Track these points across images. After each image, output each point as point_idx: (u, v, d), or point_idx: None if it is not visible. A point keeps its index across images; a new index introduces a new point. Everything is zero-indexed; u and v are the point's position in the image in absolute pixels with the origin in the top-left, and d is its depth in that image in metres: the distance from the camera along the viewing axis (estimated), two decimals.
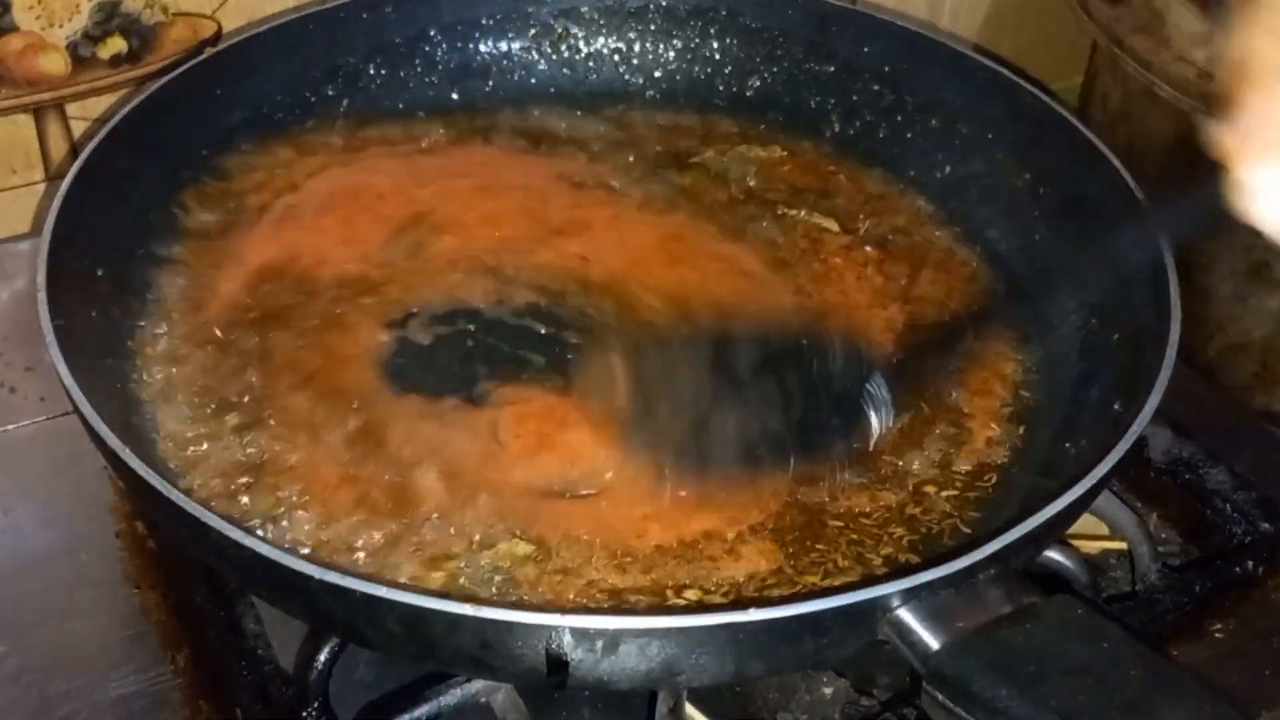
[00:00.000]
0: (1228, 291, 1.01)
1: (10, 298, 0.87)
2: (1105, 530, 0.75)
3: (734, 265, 0.81)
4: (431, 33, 0.92)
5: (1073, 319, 0.77)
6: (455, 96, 0.92)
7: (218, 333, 0.73)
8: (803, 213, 0.85)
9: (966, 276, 0.82)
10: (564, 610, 0.52)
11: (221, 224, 0.80)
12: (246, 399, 0.70)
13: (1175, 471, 0.77)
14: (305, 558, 0.54)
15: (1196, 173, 0.54)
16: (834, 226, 0.85)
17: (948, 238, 0.84)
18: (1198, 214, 0.60)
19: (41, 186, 0.92)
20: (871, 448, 0.68)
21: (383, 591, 0.52)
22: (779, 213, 0.85)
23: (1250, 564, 0.72)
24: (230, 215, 0.81)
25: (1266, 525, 0.74)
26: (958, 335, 0.71)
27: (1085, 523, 0.67)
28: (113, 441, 0.58)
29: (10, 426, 0.79)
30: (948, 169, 0.88)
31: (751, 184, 0.88)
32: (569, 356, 0.73)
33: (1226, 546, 0.75)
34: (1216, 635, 0.69)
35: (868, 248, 0.83)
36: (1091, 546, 0.77)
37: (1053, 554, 0.68)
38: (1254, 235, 0.94)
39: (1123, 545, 0.75)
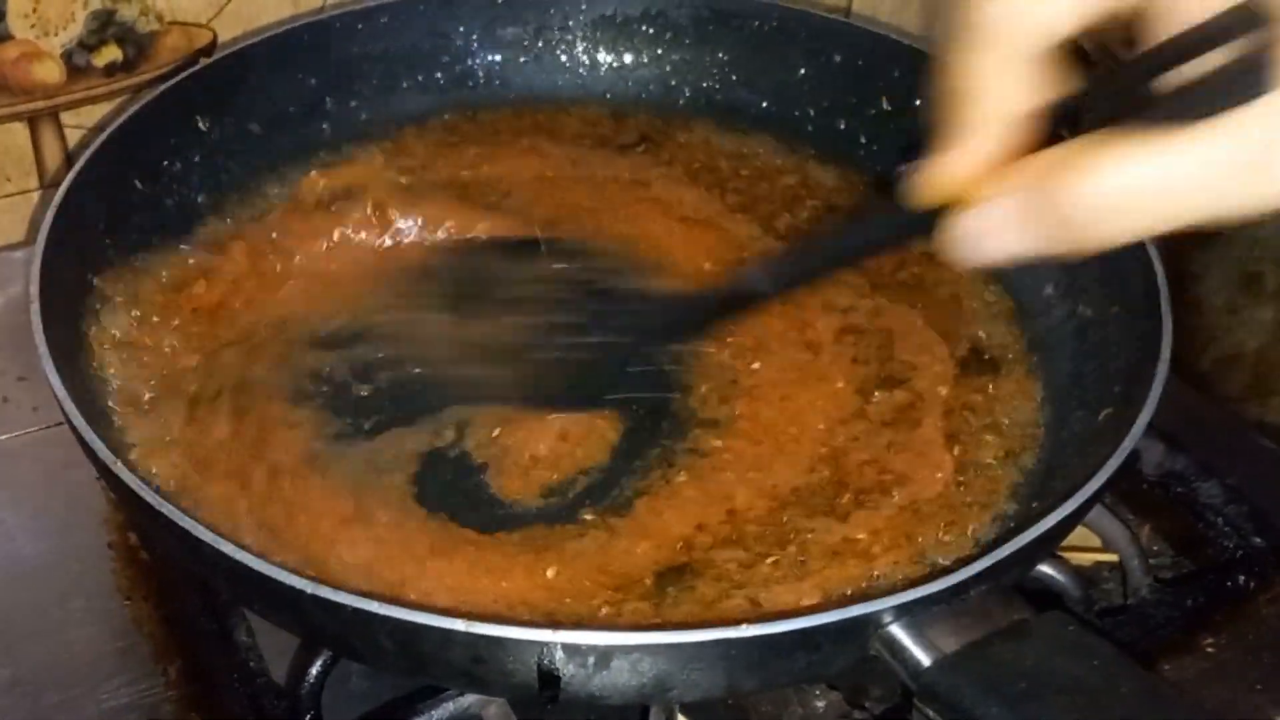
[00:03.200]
0: (1220, 303, 1.01)
1: (3, 306, 0.87)
2: (1097, 542, 0.75)
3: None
4: (429, 40, 0.92)
5: (1064, 331, 0.77)
6: (450, 104, 0.93)
7: (211, 345, 0.73)
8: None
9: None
10: (556, 626, 0.52)
11: (219, 235, 0.80)
12: (237, 411, 0.70)
13: (1167, 485, 0.77)
14: (297, 572, 0.54)
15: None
16: None
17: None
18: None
19: (36, 195, 0.92)
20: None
21: (375, 607, 0.52)
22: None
23: (1242, 578, 0.72)
24: (228, 226, 0.81)
25: (1258, 539, 0.74)
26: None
27: (1077, 534, 0.67)
28: (104, 454, 0.58)
29: (3, 437, 0.79)
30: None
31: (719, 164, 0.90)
32: None
33: (1218, 560, 0.75)
34: (1208, 649, 0.69)
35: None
36: (1083, 558, 0.77)
37: (1044, 568, 0.68)
38: (1247, 245, 0.94)
39: (1115, 557, 0.75)
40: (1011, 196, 0.46)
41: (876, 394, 0.73)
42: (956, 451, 0.70)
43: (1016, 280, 0.81)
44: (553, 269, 0.76)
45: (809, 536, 0.66)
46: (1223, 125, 0.41)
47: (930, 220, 0.49)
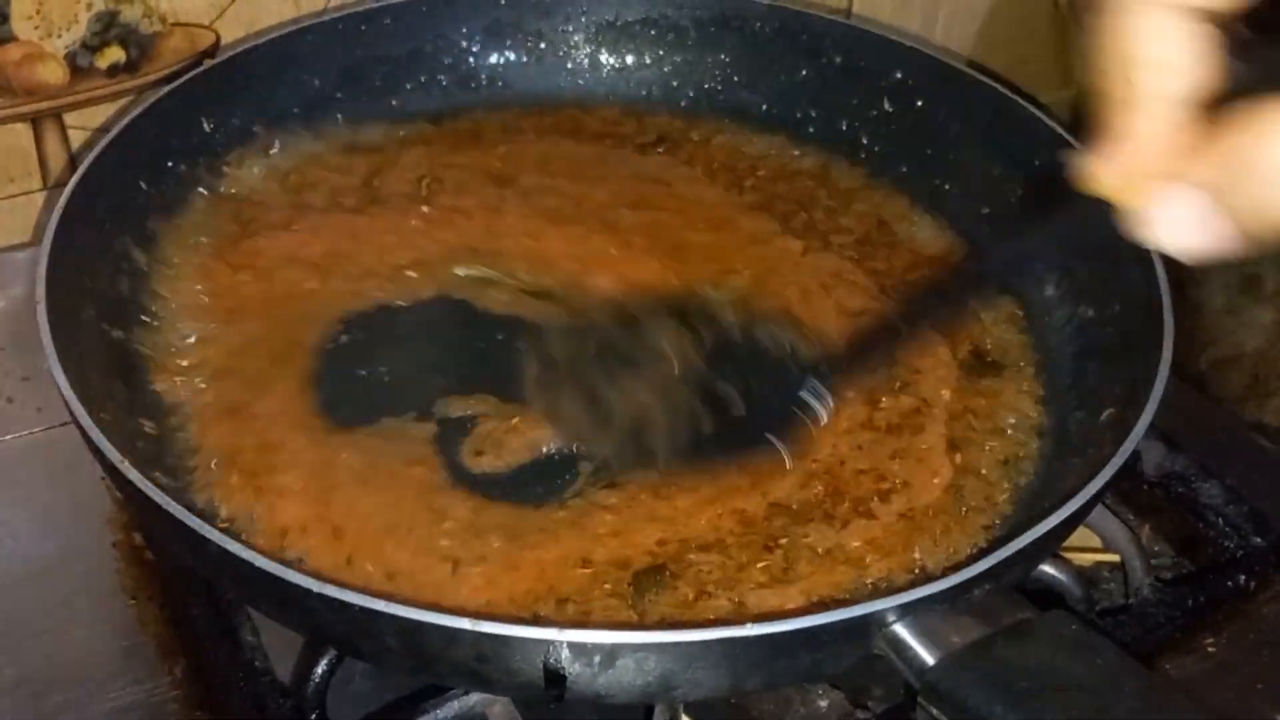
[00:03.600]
0: (1220, 304, 1.01)
1: (8, 307, 0.87)
2: (1098, 542, 0.76)
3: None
4: (431, 42, 0.92)
5: (1065, 333, 0.77)
6: (451, 106, 0.93)
7: (219, 341, 0.74)
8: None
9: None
10: (561, 625, 0.53)
11: (224, 235, 0.80)
12: (246, 410, 0.70)
13: (1167, 485, 0.78)
14: (303, 571, 0.54)
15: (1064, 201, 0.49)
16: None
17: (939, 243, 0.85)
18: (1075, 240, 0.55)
19: (40, 196, 0.92)
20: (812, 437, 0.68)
21: (380, 605, 0.52)
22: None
23: (1242, 578, 0.72)
24: (232, 226, 0.81)
25: (1258, 539, 0.74)
26: (896, 333, 0.69)
27: (1078, 534, 0.67)
28: (111, 454, 0.58)
29: (7, 437, 0.79)
30: (936, 182, 0.88)
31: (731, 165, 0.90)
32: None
33: (1219, 560, 0.75)
34: (1209, 649, 0.69)
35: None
36: (1084, 558, 0.77)
37: (1046, 567, 0.68)
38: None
39: (1116, 557, 0.75)
40: (1202, 183, 0.41)
41: (884, 400, 0.73)
42: (958, 460, 0.70)
43: (1019, 280, 0.81)
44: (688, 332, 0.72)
45: (803, 542, 0.66)
46: None
47: (1109, 212, 0.44)
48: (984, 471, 0.70)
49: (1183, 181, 0.41)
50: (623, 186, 0.87)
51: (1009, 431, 0.72)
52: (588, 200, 0.85)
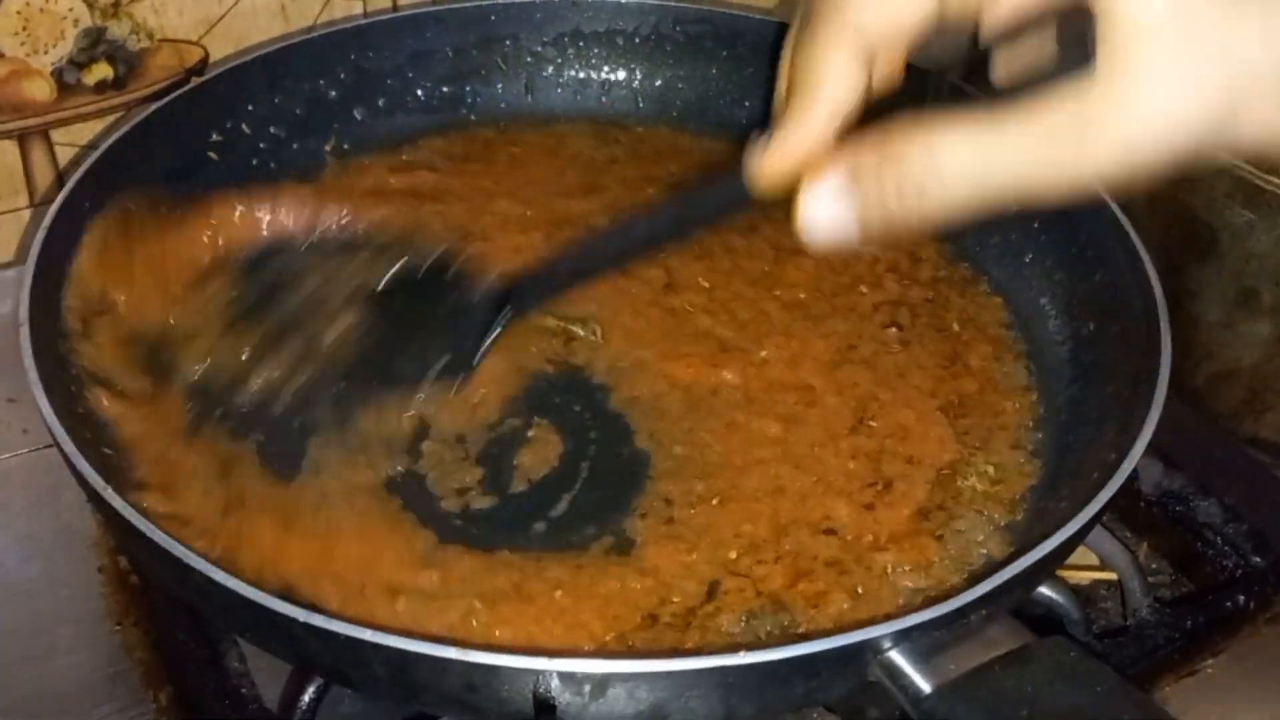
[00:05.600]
0: (1216, 318, 1.00)
1: None
2: (1094, 559, 0.75)
3: None
4: (418, 61, 0.92)
5: (1064, 349, 0.77)
6: (442, 123, 0.92)
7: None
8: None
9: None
10: (551, 654, 0.52)
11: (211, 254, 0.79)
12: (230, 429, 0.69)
13: (1165, 504, 0.77)
14: (289, 599, 0.53)
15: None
16: None
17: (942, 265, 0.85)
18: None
19: (26, 213, 0.92)
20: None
21: (367, 635, 0.52)
22: None
23: (1242, 598, 0.72)
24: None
25: (1258, 559, 0.74)
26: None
27: (1075, 552, 0.67)
28: (95, 480, 0.57)
29: None
30: None
31: None
32: None
33: (1217, 580, 0.75)
34: (1208, 670, 0.69)
35: None
36: (1081, 576, 0.77)
37: (1043, 588, 0.67)
38: (1243, 261, 0.94)
39: (1113, 575, 0.74)
40: (845, 165, 0.50)
41: (874, 422, 0.72)
42: (953, 474, 0.70)
43: (1015, 297, 0.80)
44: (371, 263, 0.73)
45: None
46: (1041, 104, 0.45)
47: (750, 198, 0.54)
48: (980, 488, 0.69)
49: (825, 170, 0.50)
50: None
51: (1004, 450, 0.71)
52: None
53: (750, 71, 0.94)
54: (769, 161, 0.53)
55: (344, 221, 0.74)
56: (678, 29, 0.94)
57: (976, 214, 0.48)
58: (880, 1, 0.52)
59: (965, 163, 0.47)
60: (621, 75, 0.96)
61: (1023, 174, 0.46)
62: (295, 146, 0.87)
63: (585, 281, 0.70)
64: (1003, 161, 0.46)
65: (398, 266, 0.71)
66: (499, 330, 0.68)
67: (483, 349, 0.68)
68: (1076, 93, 0.45)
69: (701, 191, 0.61)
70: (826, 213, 0.51)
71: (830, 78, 0.52)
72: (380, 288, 0.70)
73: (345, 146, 0.89)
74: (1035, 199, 0.47)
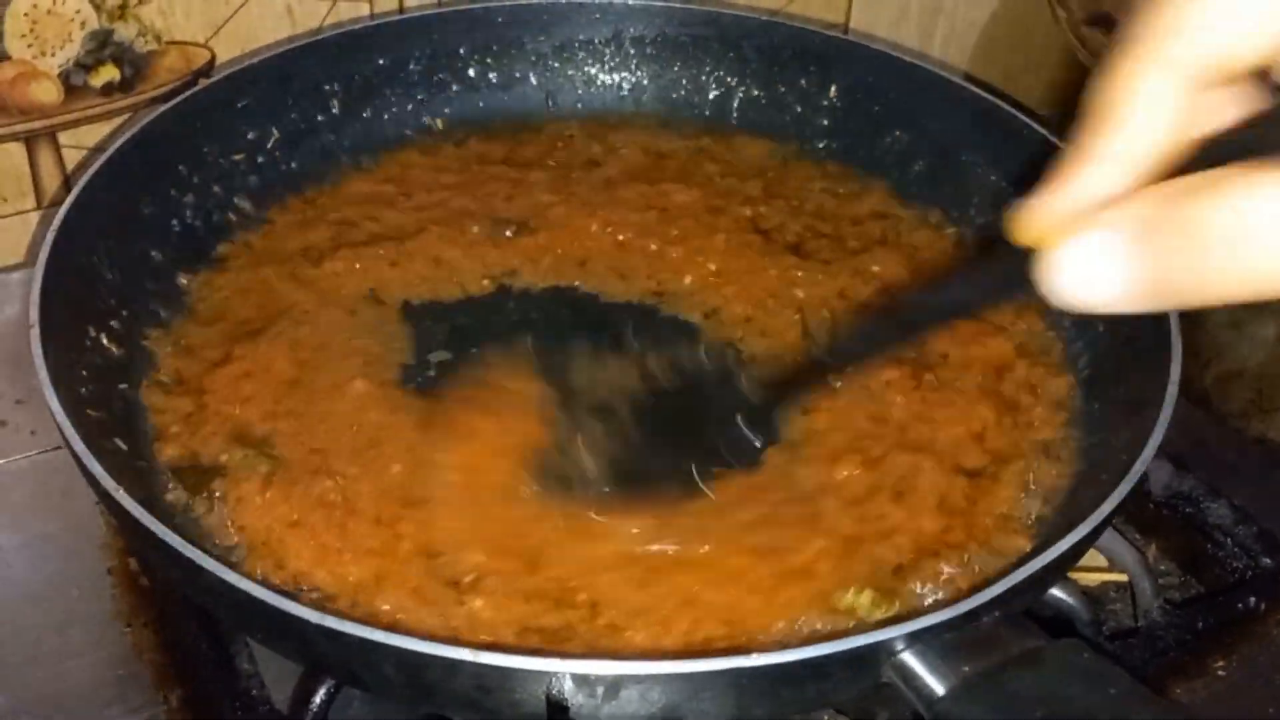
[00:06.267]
0: (1223, 319, 1.00)
1: (2, 329, 0.86)
2: (1104, 560, 0.75)
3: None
4: (426, 61, 0.92)
5: (1074, 355, 0.76)
6: (443, 123, 0.93)
7: (216, 365, 0.73)
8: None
9: None
10: (565, 655, 0.52)
11: (220, 255, 0.80)
12: (244, 433, 0.69)
13: (1175, 505, 0.77)
14: (301, 600, 0.53)
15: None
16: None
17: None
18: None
19: (34, 215, 0.92)
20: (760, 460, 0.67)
21: (379, 636, 0.51)
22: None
23: (1252, 600, 0.72)
24: (228, 247, 0.80)
25: (1267, 560, 0.73)
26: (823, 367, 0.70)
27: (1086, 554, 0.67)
28: (106, 482, 0.57)
29: (1, 461, 0.79)
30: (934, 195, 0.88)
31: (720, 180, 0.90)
32: None
33: (1227, 581, 0.74)
34: (1219, 672, 0.69)
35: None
36: (1091, 578, 0.76)
37: (1054, 591, 0.67)
38: None
39: (1123, 577, 0.74)
40: (1127, 219, 0.37)
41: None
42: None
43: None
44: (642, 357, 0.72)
45: None
46: None
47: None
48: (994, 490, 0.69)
49: (1103, 225, 0.38)
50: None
51: (1017, 454, 0.71)
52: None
53: (751, 72, 0.95)
54: (1043, 207, 0.41)
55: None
56: (683, 31, 0.94)
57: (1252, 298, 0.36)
58: (1226, 12, 0.38)
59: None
60: (627, 77, 0.96)
61: None
62: (305, 148, 0.88)
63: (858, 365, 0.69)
64: None
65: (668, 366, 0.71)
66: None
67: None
68: None
69: (986, 269, 0.51)
70: (1096, 273, 0.38)
71: (1139, 106, 0.39)
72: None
73: (354, 147, 0.89)
74: None
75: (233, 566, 0.55)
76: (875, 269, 0.82)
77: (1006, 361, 0.76)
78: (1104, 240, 0.38)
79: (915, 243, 0.85)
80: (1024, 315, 0.78)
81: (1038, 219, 0.41)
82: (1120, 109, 0.39)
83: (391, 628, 0.53)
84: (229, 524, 0.65)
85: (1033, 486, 0.68)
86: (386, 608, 0.61)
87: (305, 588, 0.61)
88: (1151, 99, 0.39)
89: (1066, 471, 0.69)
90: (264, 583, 0.54)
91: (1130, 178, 0.39)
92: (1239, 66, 0.38)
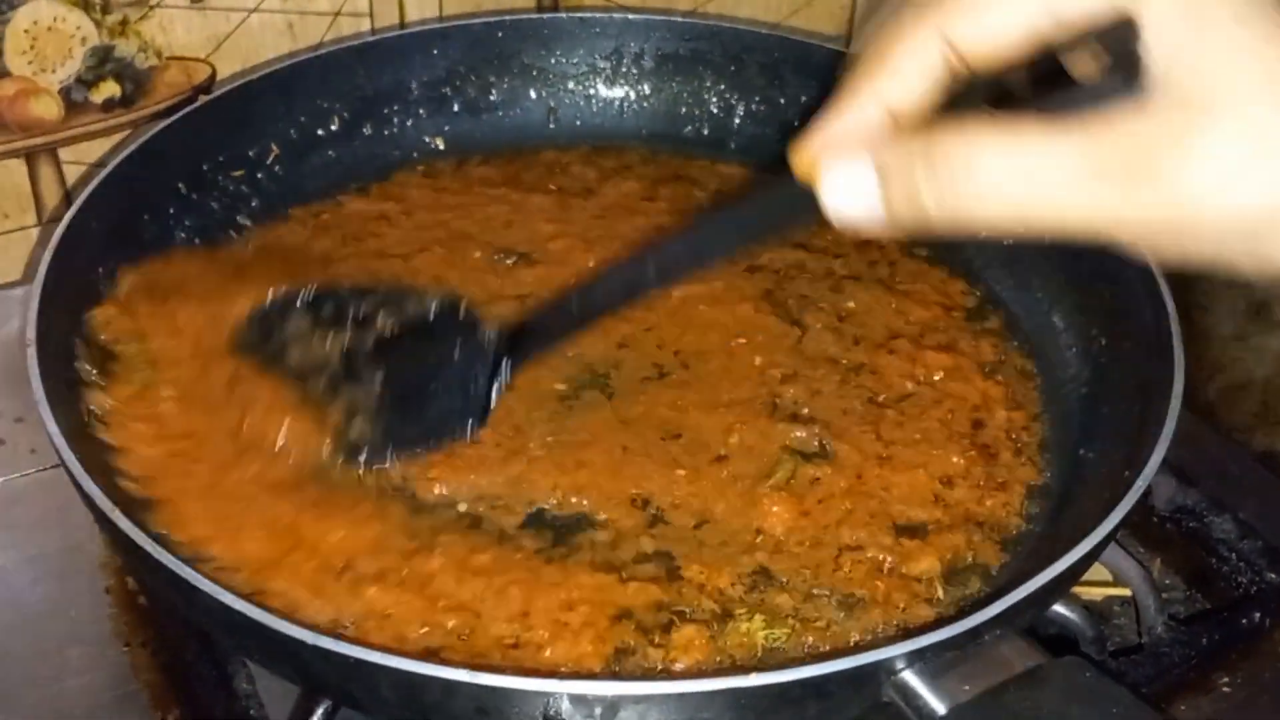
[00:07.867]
0: (1228, 331, 1.00)
1: (2, 345, 0.86)
2: (1108, 574, 0.74)
3: None
4: (427, 78, 0.92)
5: (1074, 367, 0.76)
6: (444, 142, 0.93)
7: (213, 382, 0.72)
8: None
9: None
10: (562, 676, 0.51)
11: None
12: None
13: (1179, 520, 0.77)
14: (297, 622, 0.53)
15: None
16: None
17: (942, 274, 0.84)
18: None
19: (34, 231, 0.92)
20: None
21: (376, 657, 0.51)
22: None
23: (1257, 615, 0.71)
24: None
25: (1273, 575, 0.73)
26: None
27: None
28: (102, 502, 0.57)
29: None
30: None
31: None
32: None
33: (1232, 596, 0.74)
34: (1224, 689, 0.68)
35: None
36: (1095, 593, 0.76)
37: (1058, 607, 0.67)
38: None
39: (1127, 591, 0.74)
40: (877, 148, 0.46)
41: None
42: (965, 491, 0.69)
43: (1028, 313, 0.80)
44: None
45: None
46: (1098, 122, 0.42)
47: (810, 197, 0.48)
48: (993, 508, 0.69)
49: (856, 152, 0.46)
50: None
51: (1016, 469, 0.71)
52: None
53: (758, 89, 0.94)
54: (810, 139, 0.48)
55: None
56: (683, 46, 0.94)
57: (1008, 233, 0.44)
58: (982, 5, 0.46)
59: (1007, 173, 0.43)
60: (628, 92, 0.95)
61: (1063, 198, 0.43)
62: (306, 164, 0.87)
63: (591, 323, 0.65)
64: (1046, 179, 0.43)
65: (400, 317, 0.69)
66: (506, 379, 0.66)
67: (493, 401, 0.66)
68: (1138, 114, 0.41)
69: (747, 204, 0.55)
70: (850, 194, 0.47)
71: (903, 60, 0.47)
72: (384, 340, 0.68)
73: (355, 164, 0.89)
74: (1070, 232, 0.43)
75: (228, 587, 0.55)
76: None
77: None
78: (855, 165, 0.46)
79: None
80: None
81: (809, 150, 0.48)
82: (888, 60, 0.47)
83: (387, 650, 0.52)
84: None
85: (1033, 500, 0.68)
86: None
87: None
88: (915, 56, 0.47)
89: (1068, 487, 0.69)
90: (259, 602, 0.53)
91: (889, 118, 0.47)
92: (1010, 42, 0.45)
